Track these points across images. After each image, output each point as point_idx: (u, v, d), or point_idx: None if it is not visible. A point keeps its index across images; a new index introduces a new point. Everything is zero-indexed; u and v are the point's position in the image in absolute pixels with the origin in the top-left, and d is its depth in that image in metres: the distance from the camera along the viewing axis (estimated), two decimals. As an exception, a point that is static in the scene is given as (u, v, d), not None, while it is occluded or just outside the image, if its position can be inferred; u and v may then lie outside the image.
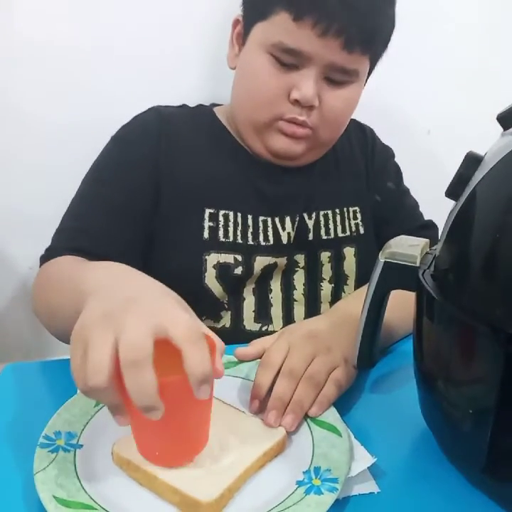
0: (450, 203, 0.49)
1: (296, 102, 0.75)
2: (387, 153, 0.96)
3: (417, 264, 0.52)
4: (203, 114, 0.89)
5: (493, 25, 1.13)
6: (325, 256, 0.85)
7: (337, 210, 0.86)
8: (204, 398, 0.42)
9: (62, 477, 0.45)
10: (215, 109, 0.89)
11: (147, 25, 0.95)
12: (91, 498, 0.44)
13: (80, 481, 0.45)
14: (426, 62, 1.05)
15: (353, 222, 0.87)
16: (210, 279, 0.78)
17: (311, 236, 0.84)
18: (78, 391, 0.58)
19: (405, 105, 1.11)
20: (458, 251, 0.47)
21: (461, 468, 0.51)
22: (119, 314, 0.42)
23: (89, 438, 0.51)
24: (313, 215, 0.85)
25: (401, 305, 0.58)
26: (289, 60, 0.74)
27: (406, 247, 0.54)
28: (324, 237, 0.85)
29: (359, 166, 0.91)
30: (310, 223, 0.84)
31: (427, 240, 0.56)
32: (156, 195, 0.80)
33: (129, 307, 0.43)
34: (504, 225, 0.42)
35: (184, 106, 0.90)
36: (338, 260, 0.85)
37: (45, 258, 0.73)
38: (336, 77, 0.76)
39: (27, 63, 0.92)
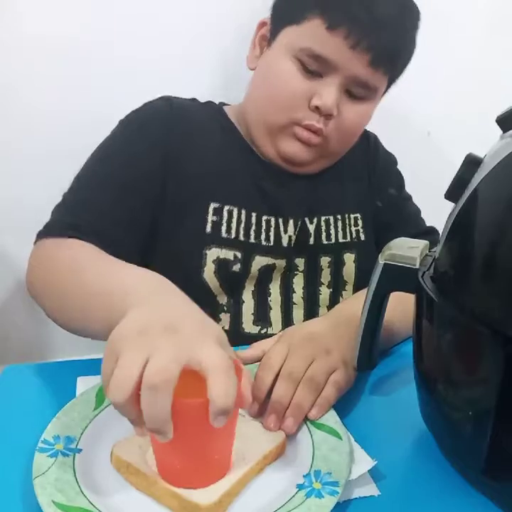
0: (449, 206, 0.49)
1: (316, 109, 0.76)
2: (390, 160, 0.96)
3: (417, 266, 0.52)
4: (213, 109, 0.89)
5: (493, 27, 1.13)
6: (325, 261, 0.85)
7: (338, 216, 0.87)
8: (217, 426, 0.41)
9: (62, 482, 0.45)
10: (225, 108, 0.89)
11: (151, 24, 0.96)
12: (90, 503, 0.43)
13: (79, 486, 0.45)
14: (425, 63, 1.04)
15: (353, 228, 0.87)
16: (208, 274, 0.78)
17: (311, 240, 0.84)
18: (77, 394, 0.58)
19: (405, 107, 1.11)
20: (457, 253, 0.47)
21: (461, 470, 0.51)
22: (156, 338, 0.42)
23: (89, 442, 0.50)
24: (315, 220, 0.85)
25: (402, 307, 0.58)
26: (314, 66, 0.75)
27: (405, 249, 0.54)
28: (325, 242, 0.85)
29: (361, 172, 0.91)
30: (311, 228, 0.84)
31: (427, 242, 0.56)
32: (163, 181, 0.79)
33: (168, 334, 0.43)
34: (503, 227, 0.42)
35: (194, 99, 0.89)
36: (337, 266, 0.85)
37: (43, 234, 0.71)
38: (356, 91, 0.78)
39: (31, 57, 0.93)
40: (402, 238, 0.57)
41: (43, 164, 0.98)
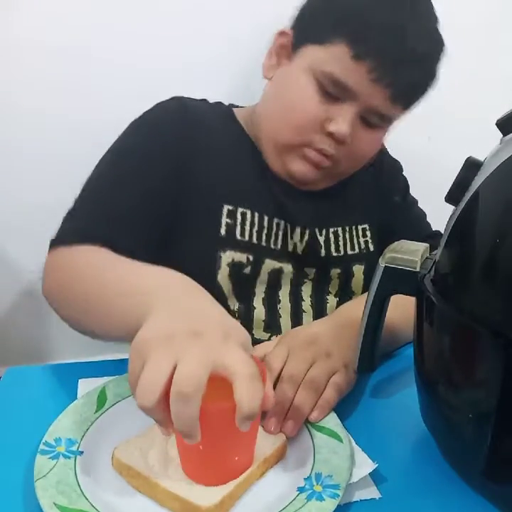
0: (450, 209, 0.49)
1: (330, 135, 0.75)
2: (396, 167, 0.96)
3: (417, 269, 0.52)
4: (223, 112, 0.87)
5: (493, 29, 1.13)
6: (335, 273, 0.85)
7: (347, 228, 0.86)
8: (244, 430, 0.42)
9: (63, 484, 0.45)
10: (234, 111, 0.88)
11: (154, 25, 0.97)
12: (92, 506, 0.43)
13: (80, 488, 0.45)
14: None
15: (362, 239, 0.87)
16: (223, 277, 0.77)
17: (322, 252, 0.84)
18: (79, 396, 0.58)
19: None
20: (458, 256, 0.47)
21: (462, 472, 0.51)
22: (184, 342, 0.42)
23: (90, 444, 0.51)
24: (324, 232, 0.84)
25: (403, 309, 0.58)
26: (334, 91, 0.74)
27: (406, 252, 0.54)
28: (334, 254, 0.84)
29: (368, 182, 0.91)
30: (321, 239, 0.84)
31: (427, 245, 0.56)
32: (177, 185, 0.77)
33: (195, 339, 0.43)
34: (504, 230, 0.42)
35: (205, 101, 0.88)
36: (347, 277, 0.85)
37: (56, 242, 0.69)
38: (372, 120, 0.77)
39: (31, 57, 0.93)
40: (403, 241, 0.57)
41: (44, 164, 0.98)
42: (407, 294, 0.52)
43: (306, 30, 0.77)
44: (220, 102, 0.90)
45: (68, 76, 0.95)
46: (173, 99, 0.83)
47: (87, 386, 0.60)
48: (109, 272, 0.59)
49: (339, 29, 0.72)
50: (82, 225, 0.70)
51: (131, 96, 0.85)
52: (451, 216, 0.48)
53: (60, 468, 0.47)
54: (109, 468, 0.49)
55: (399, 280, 0.53)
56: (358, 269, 0.86)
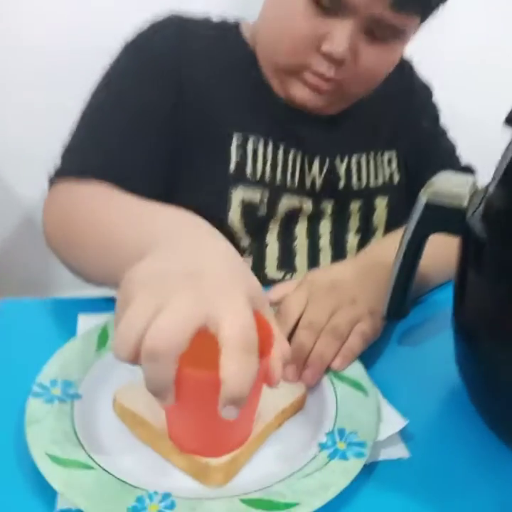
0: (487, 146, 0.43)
1: (326, 55, 0.67)
2: (426, 91, 0.90)
3: (465, 205, 0.46)
4: (228, 32, 0.79)
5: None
6: (355, 207, 0.80)
7: (371, 155, 0.80)
8: (226, 417, 0.34)
9: (58, 432, 0.41)
10: (242, 27, 0.80)
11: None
12: (89, 457, 0.40)
13: (77, 437, 0.41)
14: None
15: (387, 170, 0.82)
16: (235, 215, 0.72)
17: (341, 184, 0.78)
18: (78, 334, 0.54)
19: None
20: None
21: (499, 430, 0.47)
22: (174, 285, 0.36)
23: (90, 387, 0.46)
24: (346, 160, 0.78)
25: (433, 250, 0.52)
26: (329, 4, 0.65)
27: (452, 186, 0.48)
28: (355, 185, 0.79)
29: (395, 105, 0.84)
30: (341, 169, 0.78)
31: (474, 178, 0.50)
32: (178, 118, 0.72)
33: (189, 281, 0.36)
34: None
35: (207, 19, 0.80)
36: (368, 212, 0.80)
37: (55, 180, 0.66)
38: (379, 32, 0.68)
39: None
40: (448, 173, 0.51)
41: (43, 96, 0.95)
42: (450, 234, 0.47)
43: None
44: (224, 21, 0.81)
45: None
46: (168, 19, 0.76)
47: (87, 322, 0.56)
48: (110, 218, 0.53)
49: None
50: (79, 159, 0.67)
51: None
52: (509, 143, 0.42)
53: (55, 413, 0.43)
54: (110, 414, 0.45)
55: (442, 218, 0.47)
56: (381, 202, 0.81)
